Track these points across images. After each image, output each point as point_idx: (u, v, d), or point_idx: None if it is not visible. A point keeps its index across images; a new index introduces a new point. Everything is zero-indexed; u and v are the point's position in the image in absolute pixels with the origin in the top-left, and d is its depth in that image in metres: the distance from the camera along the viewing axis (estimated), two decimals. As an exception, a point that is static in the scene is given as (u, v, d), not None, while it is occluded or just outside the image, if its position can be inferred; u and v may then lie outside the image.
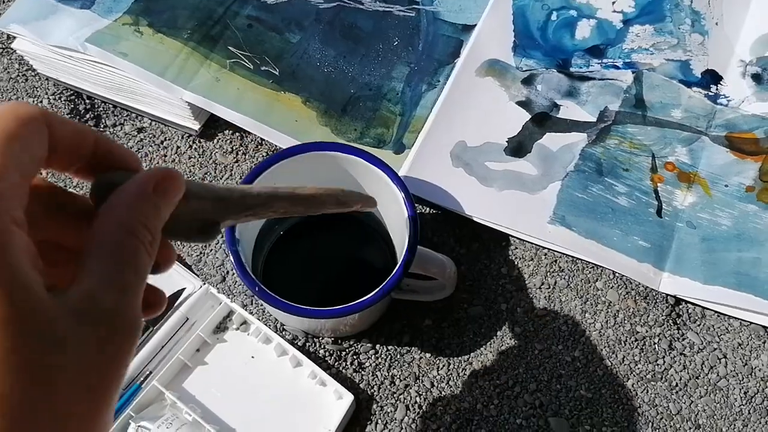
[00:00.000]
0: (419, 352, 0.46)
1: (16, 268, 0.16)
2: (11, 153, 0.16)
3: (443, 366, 0.46)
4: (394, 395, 0.45)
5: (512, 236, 0.49)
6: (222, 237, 0.47)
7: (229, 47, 0.53)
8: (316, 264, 0.49)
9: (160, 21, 0.54)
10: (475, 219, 0.48)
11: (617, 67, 0.52)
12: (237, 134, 0.54)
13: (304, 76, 0.53)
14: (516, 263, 0.48)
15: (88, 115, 0.56)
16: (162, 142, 0.55)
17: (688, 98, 0.51)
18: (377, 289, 0.40)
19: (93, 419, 0.17)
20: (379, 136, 0.52)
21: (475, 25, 0.55)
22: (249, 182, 0.42)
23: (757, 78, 0.51)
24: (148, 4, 0.54)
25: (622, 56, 0.53)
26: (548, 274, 0.48)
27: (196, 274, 0.48)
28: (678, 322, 0.46)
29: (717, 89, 0.51)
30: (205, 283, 0.47)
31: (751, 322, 0.45)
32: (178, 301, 0.47)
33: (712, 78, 0.52)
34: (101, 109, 0.56)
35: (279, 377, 0.45)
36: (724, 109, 0.51)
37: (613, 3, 0.54)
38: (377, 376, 0.45)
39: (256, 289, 0.39)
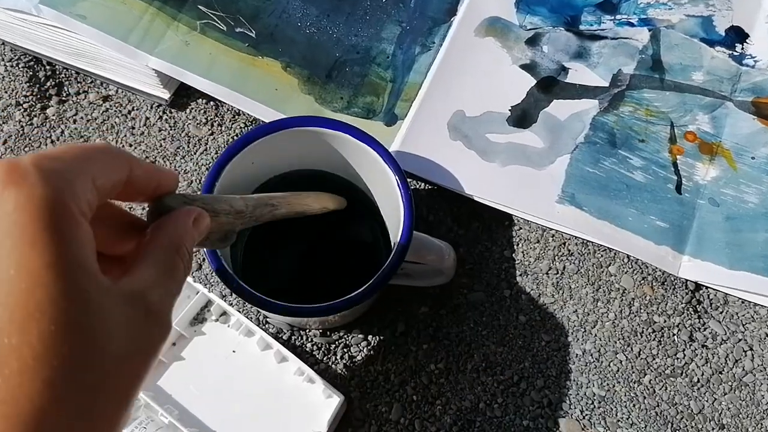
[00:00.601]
0: (415, 342, 0.43)
1: (78, 249, 0.18)
2: (88, 166, 0.20)
3: (441, 359, 0.42)
4: (389, 393, 0.41)
5: (516, 215, 0.45)
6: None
7: (200, 6, 0.48)
8: (301, 249, 0.45)
9: (121, -23, 0.48)
10: (476, 198, 0.44)
11: (632, 24, 0.47)
12: (212, 103, 0.49)
13: (283, 38, 0.48)
14: (520, 245, 0.44)
15: (48, 83, 0.50)
16: (129, 113, 0.50)
17: (710, 59, 0.46)
18: (367, 285, 0.36)
19: (124, 399, 0.19)
20: (368, 106, 0.47)
21: (474, -23, 0.49)
22: (224, 162, 0.38)
23: (788, 36, 0.46)
24: (105, -41, 0.48)
25: (638, 12, 0.47)
26: (556, 257, 0.43)
27: (168, 262, 0.44)
28: (699, 309, 0.42)
29: (743, 48, 0.46)
30: (178, 273, 0.43)
31: (780, 310, 0.41)
32: (149, 294, 0.42)
33: (737, 36, 0.46)
34: (63, 75, 0.51)
35: (263, 373, 0.42)
36: (751, 70, 0.45)
37: (628, -49, 0.49)
38: (370, 371, 0.42)
39: (234, 285, 0.35)
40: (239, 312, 0.43)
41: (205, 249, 0.35)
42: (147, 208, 0.25)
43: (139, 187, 0.23)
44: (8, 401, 0.16)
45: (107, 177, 0.21)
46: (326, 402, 0.40)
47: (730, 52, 0.46)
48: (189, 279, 0.43)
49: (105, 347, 0.18)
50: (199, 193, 0.46)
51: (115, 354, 0.18)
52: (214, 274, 0.44)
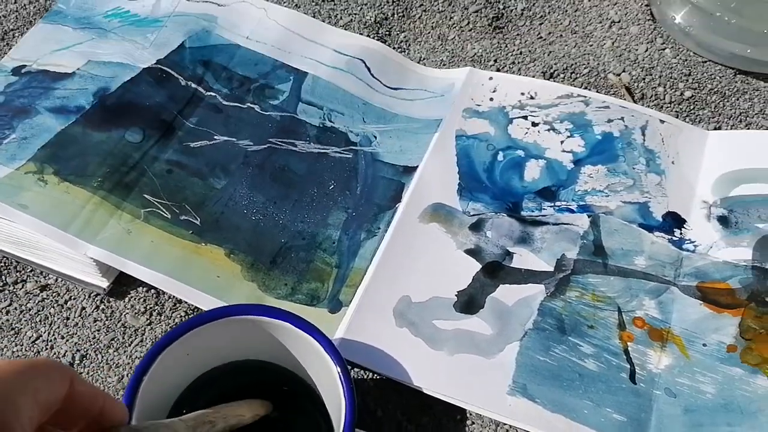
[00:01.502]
0: None
1: None
2: (31, 382, 0.21)
3: None
4: None
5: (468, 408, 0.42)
6: None
7: (145, 195, 0.48)
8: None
9: (68, 168, 0.48)
10: (425, 391, 0.41)
11: (572, 211, 0.48)
12: (152, 291, 0.47)
13: (228, 225, 0.48)
14: (473, 442, 0.41)
15: (-14, 272, 0.49)
16: (66, 302, 0.48)
17: (650, 244, 0.46)
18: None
19: None
20: (312, 292, 0.46)
21: (417, 166, 0.50)
22: (153, 356, 0.36)
23: (723, 221, 0.47)
24: (55, 151, 0.49)
25: (576, 198, 0.49)
26: (511, 455, 0.40)
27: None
28: None
29: (681, 233, 0.47)
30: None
31: None
32: None
33: (674, 221, 0.47)
34: (2, 264, 0.49)
35: None
36: (692, 255, 0.46)
37: (562, 143, 0.51)
38: None
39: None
40: None
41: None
42: None
43: (81, 407, 0.23)
44: None
45: (49, 392, 0.21)
46: None
47: (670, 237, 0.47)
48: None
49: None
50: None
51: None
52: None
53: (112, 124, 0.51)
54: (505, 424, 0.41)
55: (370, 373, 0.44)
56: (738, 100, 0.54)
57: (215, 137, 0.51)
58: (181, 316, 0.47)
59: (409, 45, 0.60)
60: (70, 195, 0.47)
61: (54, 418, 0.22)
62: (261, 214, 0.49)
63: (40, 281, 0.48)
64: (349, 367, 0.44)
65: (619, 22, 0.59)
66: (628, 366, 0.42)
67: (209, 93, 0.53)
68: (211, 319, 0.37)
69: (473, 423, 0.42)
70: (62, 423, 0.23)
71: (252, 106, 0.53)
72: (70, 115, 0.51)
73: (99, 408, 0.24)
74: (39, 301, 0.48)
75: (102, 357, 0.45)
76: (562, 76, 0.55)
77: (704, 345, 0.42)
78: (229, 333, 0.38)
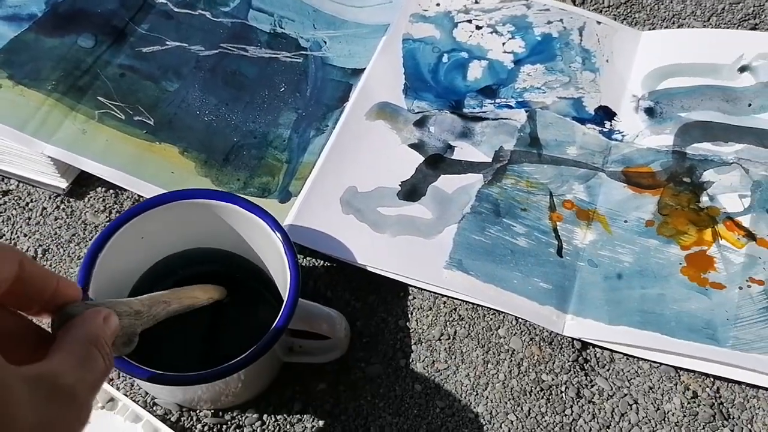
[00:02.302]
0: (312, 420, 0.41)
1: None
2: None
3: (337, 435, 0.40)
4: (281, 474, 0.39)
5: (411, 285, 0.45)
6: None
7: (99, 97, 0.49)
8: (197, 328, 0.44)
9: (22, 73, 0.49)
10: (368, 268, 0.44)
11: (510, 107, 0.51)
12: (111, 191, 0.49)
13: (182, 125, 0.50)
14: (414, 314, 0.44)
15: (-53, 179, 0.50)
16: (27, 204, 0.49)
17: (582, 135, 0.49)
18: (248, 351, 0.35)
19: None
20: (263, 185, 0.48)
21: (365, 69, 0.52)
22: (108, 235, 0.38)
23: (649, 112, 0.50)
24: (9, 57, 0.50)
25: (515, 96, 0.51)
26: (448, 323, 0.44)
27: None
28: (585, 367, 0.42)
29: (611, 125, 0.50)
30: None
31: (661, 363, 0.42)
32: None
33: (605, 114, 0.50)
34: (-37, 171, 0.50)
35: (148, 461, 0.39)
36: (619, 144, 0.49)
37: (504, 44, 0.53)
38: (263, 453, 0.40)
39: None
40: (126, 396, 0.41)
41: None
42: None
43: (33, 288, 0.23)
44: None
45: None
46: (214, 488, 0.38)
47: (600, 128, 0.50)
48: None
49: (13, 414, 0.19)
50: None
51: (24, 423, 0.19)
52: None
53: (64, 30, 0.52)
54: (442, 295, 0.44)
55: (321, 261, 0.47)
56: (672, 2, 0.57)
57: (167, 43, 0.53)
58: (139, 213, 0.49)
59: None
60: (25, 97, 0.48)
61: (6, 299, 0.23)
62: (213, 115, 0.50)
63: (1, 187, 0.50)
64: (300, 256, 0.47)
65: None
66: (556, 242, 0.45)
67: (160, 0, 0.54)
68: (163, 202, 0.39)
69: (414, 298, 0.45)
70: (16, 305, 0.24)
71: (203, 12, 0.54)
72: (23, 22, 0.52)
73: (52, 289, 0.24)
74: (1, 205, 0.49)
75: (64, 251, 0.47)
76: (505, -18, 0.57)
77: (625, 221, 0.46)
78: (181, 218, 0.40)
